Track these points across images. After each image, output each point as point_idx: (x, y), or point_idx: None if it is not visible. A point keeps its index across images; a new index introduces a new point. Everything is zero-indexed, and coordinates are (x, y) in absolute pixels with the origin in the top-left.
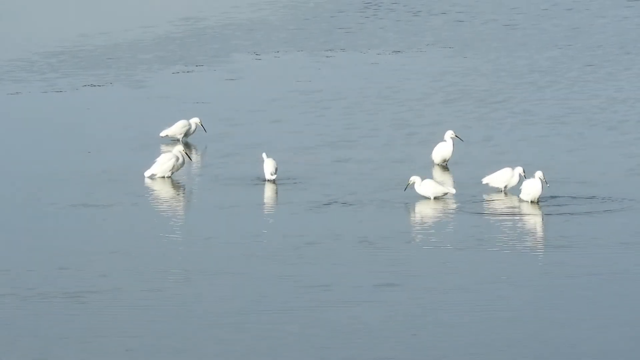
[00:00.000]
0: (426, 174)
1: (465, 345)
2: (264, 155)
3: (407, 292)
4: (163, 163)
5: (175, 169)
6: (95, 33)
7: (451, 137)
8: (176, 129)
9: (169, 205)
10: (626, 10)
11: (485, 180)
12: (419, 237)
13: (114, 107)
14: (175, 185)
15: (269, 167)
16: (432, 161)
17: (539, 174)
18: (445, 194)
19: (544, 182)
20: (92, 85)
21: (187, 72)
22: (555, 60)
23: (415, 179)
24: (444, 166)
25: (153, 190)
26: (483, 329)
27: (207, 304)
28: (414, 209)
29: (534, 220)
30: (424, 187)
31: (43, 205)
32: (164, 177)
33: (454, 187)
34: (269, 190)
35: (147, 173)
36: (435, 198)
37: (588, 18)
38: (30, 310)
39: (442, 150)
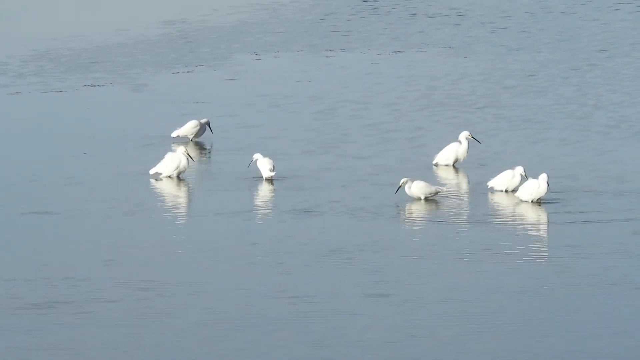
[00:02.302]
0: (415, 177)
1: (455, 356)
2: (258, 155)
3: (397, 304)
4: (168, 163)
5: (180, 169)
6: (88, 34)
7: (466, 138)
8: (187, 129)
9: (158, 210)
10: (612, 14)
11: (490, 184)
12: (409, 245)
13: (112, 107)
14: (173, 187)
15: (266, 165)
16: (437, 162)
17: (543, 176)
18: (437, 193)
19: (547, 185)
20: (92, 85)
21: (179, 72)
22: (540, 64)
23: (406, 180)
24: (454, 168)
25: (144, 193)
26: (473, 340)
27: (190, 314)
28: (402, 215)
29: (526, 227)
30: (414, 188)
31: (33, 209)
32: (168, 176)
33: (446, 188)
34: (257, 196)
35: (152, 171)
36: (426, 199)
37: (574, 22)
38: (12, 321)
39: (458, 150)
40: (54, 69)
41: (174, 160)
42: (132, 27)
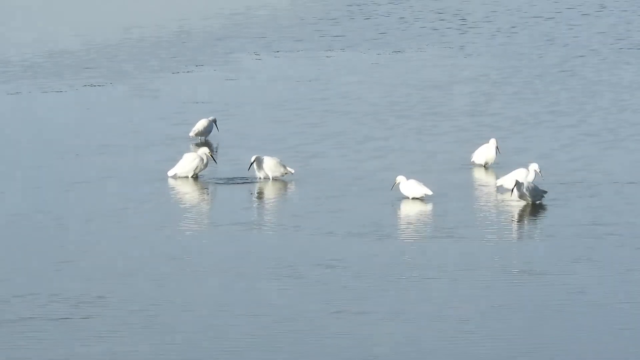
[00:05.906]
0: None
1: None
2: (257, 157)
3: (388, 319)
4: (186, 163)
5: (198, 170)
6: (87, 34)
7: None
8: (201, 127)
9: (127, 217)
10: (597, 18)
11: (499, 182)
12: (398, 257)
13: (111, 107)
14: (162, 188)
15: (275, 165)
16: (473, 161)
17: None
18: (424, 195)
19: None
20: (91, 85)
21: (178, 72)
22: (522, 70)
23: (400, 178)
24: (484, 168)
25: (135, 195)
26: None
27: (165, 333)
28: (384, 230)
29: (512, 240)
30: (408, 187)
31: (23, 213)
32: (186, 177)
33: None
34: (247, 205)
35: (171, 172)
36: (413, 198)
37: (558, 27)
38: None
39: (486, 153)
40: (53, 68)
41: (194, 161)
42: (131, 27)
